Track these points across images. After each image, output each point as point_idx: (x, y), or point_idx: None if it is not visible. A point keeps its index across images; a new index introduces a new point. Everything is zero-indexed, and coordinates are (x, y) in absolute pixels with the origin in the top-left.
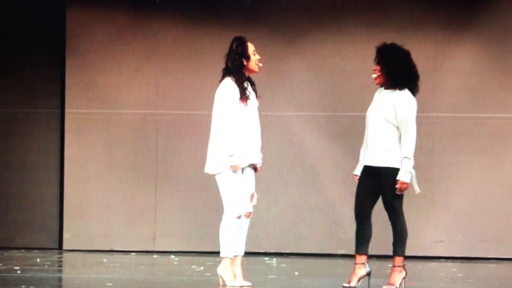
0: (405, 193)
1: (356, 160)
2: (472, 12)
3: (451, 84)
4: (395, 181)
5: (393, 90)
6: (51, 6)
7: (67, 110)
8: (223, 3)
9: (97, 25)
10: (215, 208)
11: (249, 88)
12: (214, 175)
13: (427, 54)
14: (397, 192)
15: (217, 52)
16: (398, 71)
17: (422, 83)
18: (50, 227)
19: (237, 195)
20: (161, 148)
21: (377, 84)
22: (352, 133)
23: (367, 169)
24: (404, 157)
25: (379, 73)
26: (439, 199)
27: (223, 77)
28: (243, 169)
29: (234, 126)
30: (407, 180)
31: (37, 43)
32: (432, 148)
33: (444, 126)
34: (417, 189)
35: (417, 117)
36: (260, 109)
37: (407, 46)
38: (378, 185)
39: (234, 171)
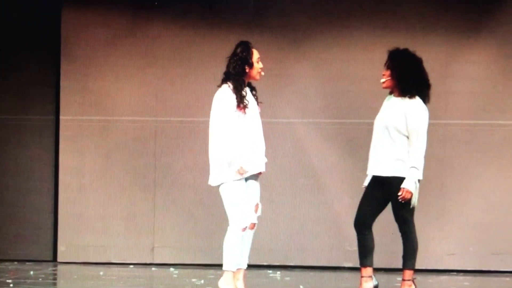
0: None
1: (363, 169)
2: (485, 16)
3: (463, 90)
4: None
5: (403, 98)
6: (45, 9)
7: (62, 117)
8: (224, 6)
9: (93, 29)
10: (217, 219)
11: (248, 95)
12: (218, 186)
13: (438, 58)
14: (400, 200)
15: (218, 57)
16: (407, 77)
17: (433, 89)
18: (44, 238)
19: (241, 206)
20: (160, 156)
21: (384, 87)
22: (359, 141)
23: (375, 179)
24: (412, 167)
25: (388, 78)
26: (450, 209)
27: (222, 82)
28: (246, 179)
29: (231, 135)
30: (412, 190)
31: (31, 48)
32: (444, 157)
33: (456, 134)
34: (414, 201)
35: (428, 124)
36: (264, 115)
37: (417, 50)
38: (386, 196)
39: (242, 174)
